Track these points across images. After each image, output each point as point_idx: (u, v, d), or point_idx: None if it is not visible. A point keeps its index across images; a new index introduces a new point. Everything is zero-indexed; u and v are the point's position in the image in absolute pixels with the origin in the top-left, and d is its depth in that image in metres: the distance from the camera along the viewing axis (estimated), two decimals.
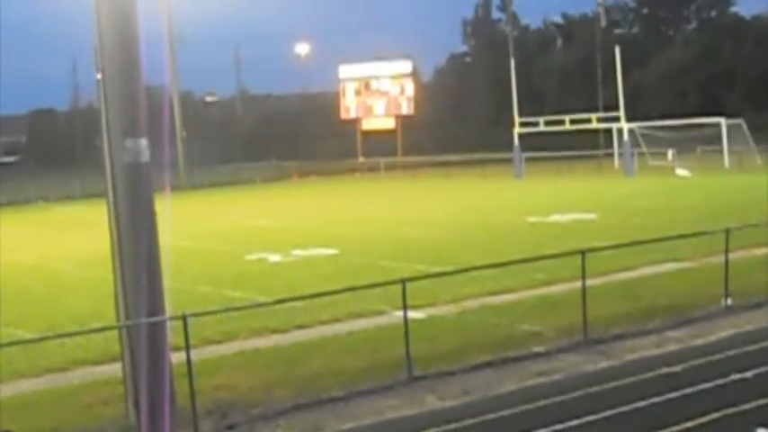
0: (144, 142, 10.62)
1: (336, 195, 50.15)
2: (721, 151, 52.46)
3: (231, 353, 14.01)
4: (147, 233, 10.70)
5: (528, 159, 55.97)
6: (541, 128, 56.08)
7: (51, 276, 23.81)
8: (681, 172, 49.69)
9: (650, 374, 12.10)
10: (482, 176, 55.95)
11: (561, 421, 10.36)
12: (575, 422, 10.34)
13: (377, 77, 76.41)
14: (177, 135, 66.33)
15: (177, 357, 11.10)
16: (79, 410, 11.60)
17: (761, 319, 14.84)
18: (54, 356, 14.01)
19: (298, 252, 25.08)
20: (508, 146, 57.39)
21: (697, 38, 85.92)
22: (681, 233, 19.40)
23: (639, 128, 54.38)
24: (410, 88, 76.54)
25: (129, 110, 10.56)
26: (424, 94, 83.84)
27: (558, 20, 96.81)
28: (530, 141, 56.28)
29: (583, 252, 14.59)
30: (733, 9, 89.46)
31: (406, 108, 76.09)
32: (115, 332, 11.89)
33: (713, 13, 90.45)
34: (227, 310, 14.83)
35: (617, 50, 51.76)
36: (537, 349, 13.38)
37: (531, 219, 30.68)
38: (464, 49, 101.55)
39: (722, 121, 52.82)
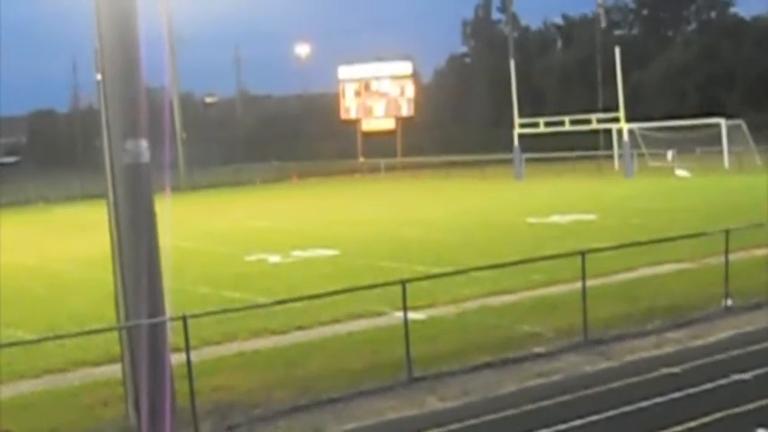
0: (144, 143, 10.63)
1: (336, 196, 50.14)
2: (721, 152, 52.42)
3: (231, 354, 14.01)
4: (148, 234, 10.71)
5: (528, 160, 55.96)
6: (541, 129, 56.04)
7: (51, 277, 23.81)
8: (680, 173, 49.68)
9: (650, 375, 12.12)
10: (482, 177, 55.94)
11: (561, 422, 10.37)
12: (575, 423, 10.35)
13: (377, 78, 76.39)
14: (177, 136, 66.30)
15: (177, 358, 11.10)
16: (79, 411, 11.60)
17: (761, 319, 14.85)
18: (54, 357, 14.01)
19: (297, 253, 25.09)
20: (508, 147, 57.38)
21: (697, 39, 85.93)
22: (680, 234, 19.42)
23: (639, 129, 54.37)
24: (410, 89, 76.48)
25: (129, 111, 10.56)
26: (424, 94, 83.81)
27: (558, 21, 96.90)
28: (529, 142, 56.25)
29: (583, 253, 14.61)
30: (733, 10, 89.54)
31: (406, 109, 76.03)
32: (115, 333, 11.89)
33: (713, 14, 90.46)
34: (226, 311, 14.82)
35: (617, 51, 51.73)
36: (537, 350, 13.40)
37: (531, 220, 30.69)
38: (464, 49, 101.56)
39: (722, 121, 52.80)
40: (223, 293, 19.12)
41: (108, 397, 11.92)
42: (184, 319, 11.09)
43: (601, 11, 70.29)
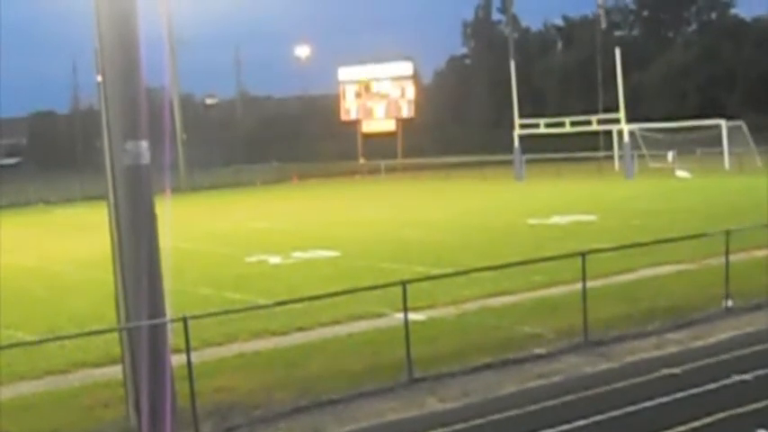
0: (144, 144, 10.63)
1: (337, 197, 50.15)
2: (721, 153, 52.44)
3: (231, 355, 14.01)
4: (148, 235, 10.71)
5: (528, 161, 55.97)
6: (542, 130, 56.08)
7: (52, 278, 23.81)
8: (681, 174, 49.69)
9: (650, 376, 12.12)
10: (482, 178, 55.94)
11: (562, 423, 10.36)
12: (576, 424, 10.35)
13: (377, 79, 76.31)
14: (177, 137, 66.30)
15: (177, 359, 11.10)
16: (80, 413, 11.60)
17: (761, 320, 14.84)
18: (54, 359, 14.00)
19: (298, 254, 25.08)
20: (508, 148, 57.39)
21: (697, 40, 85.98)
22: (681, 235, 19.43)
23: (639, 130, 54.39)
24: (410, 91, 76.32)
25: (129, 112, 10.56)
26: (424, 95, 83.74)
27: (559, 22, 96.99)
28: (530, 143, 56.27)
29: (583, 254, 14.60)
30: (733, 11, 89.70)
31: (407, 111, 75.89)
32: (115, 334, 11.88)
33: (713, 15, 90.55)
34: (227, 312, 14.83)
35: (617, 52, 51.74)
36: (537, 351, 13.39)
37: (532, 221, 30.68)
38: (464, 51, 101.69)
39: (722, 122, 52.83)
40: (223, 294, 19.12)
41: (108, 398, 11.92)
42: (185, 320, 11.08)
43: (601, 12, 70.24)
